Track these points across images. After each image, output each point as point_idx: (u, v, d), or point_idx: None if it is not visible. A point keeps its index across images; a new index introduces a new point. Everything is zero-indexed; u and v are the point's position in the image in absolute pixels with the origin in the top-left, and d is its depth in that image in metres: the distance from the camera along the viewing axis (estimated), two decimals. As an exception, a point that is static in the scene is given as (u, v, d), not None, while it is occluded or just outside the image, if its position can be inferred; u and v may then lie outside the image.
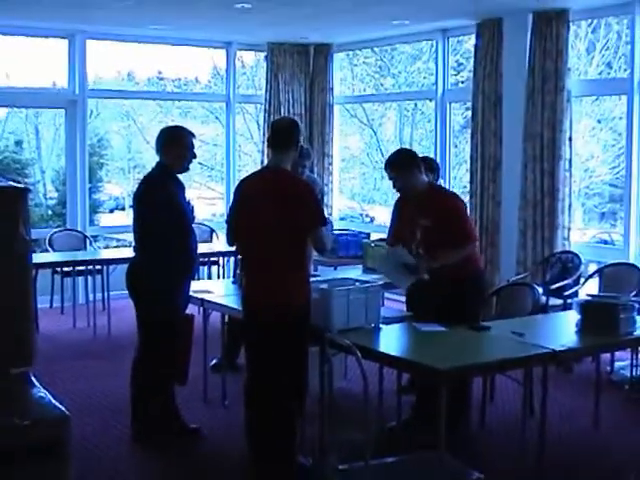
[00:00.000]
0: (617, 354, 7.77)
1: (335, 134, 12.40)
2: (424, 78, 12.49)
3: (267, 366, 5.51)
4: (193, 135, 6.28)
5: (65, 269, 10.19)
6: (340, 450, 5.22)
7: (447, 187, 10.47)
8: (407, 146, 12.78)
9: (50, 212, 12.33)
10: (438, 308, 6.06)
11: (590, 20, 10.27)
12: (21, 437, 2.74)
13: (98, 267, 10.03)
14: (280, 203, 5.43)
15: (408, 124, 13.76)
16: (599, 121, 11.60)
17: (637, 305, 6.32)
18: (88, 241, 10.80)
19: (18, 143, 12.35)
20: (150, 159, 6.21)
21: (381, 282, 6.58)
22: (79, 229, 11.15)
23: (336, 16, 9.90)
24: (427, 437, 5.51)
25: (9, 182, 3.29)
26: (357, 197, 13.99)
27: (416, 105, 13.19)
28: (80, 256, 10.13)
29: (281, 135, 5.65)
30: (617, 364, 7.78)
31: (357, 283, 6.03)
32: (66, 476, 2.87)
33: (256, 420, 5.61)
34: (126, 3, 8.88)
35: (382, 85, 13.79)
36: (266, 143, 5.73)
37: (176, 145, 6.17)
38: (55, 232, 10.75)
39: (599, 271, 8.58)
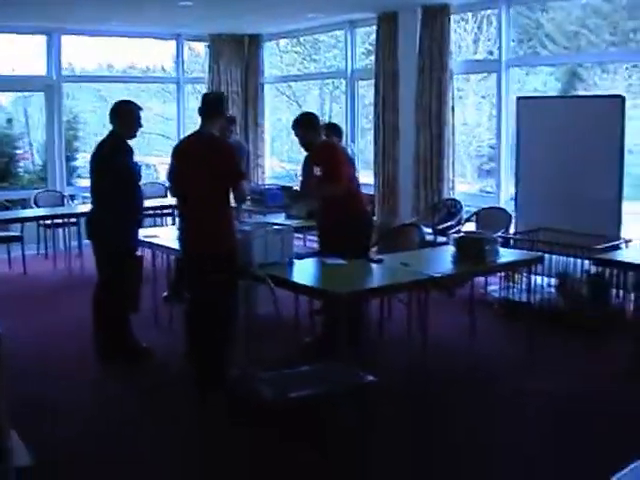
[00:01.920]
0: (490, 279, 7.71)
1: (266, 108, 12.24)
2: (339, 62, 12.25)
3: (203, 296, 5.39)
4: (140, 108, 6.08)
5: (47, 222, 9.93)
6: (262, 362, 5.11)
7: (353, 148, 10.40)
8: (327, 118, 12.60)
9: (36, 177, 12.01)
10: (335, 244, 5.96)
11: (473, 13, 10.08)
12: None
13: (74, 220, 9.76)
14: (207, 162, 5.32)
15: (329, 99, 13.55)
16: (483, 97, 11.50)
17: (501, 239, 6.28)
18: (66, 199, 10.55)
19: (9, 121, 11.98)
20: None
21: (295, 225, 6.50)
22: (58, 189, 10.86)
23: (262, 11, 9.66)
24: (335, 349, 5.49)
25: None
26: (288, 159, 13.80)
27: (333, 83, 12.96)
28: (59, 211, 9.86)
29: (209, 106, 5.51)
30: (490, 287, 7.72)
31: (275, 226, 5.91)
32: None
33: (194, 340, 5.51)
34: (90, 4, 8.61)
35: (307, 68, 13.56)
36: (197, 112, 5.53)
37: (126, 116, 5.97)
38: (39, 192, 10.49)
39: (476, 214, 8.54)
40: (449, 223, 8.51)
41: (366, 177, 10.28)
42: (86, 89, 13.44)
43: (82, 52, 12.00)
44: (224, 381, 5.32)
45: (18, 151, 12.05)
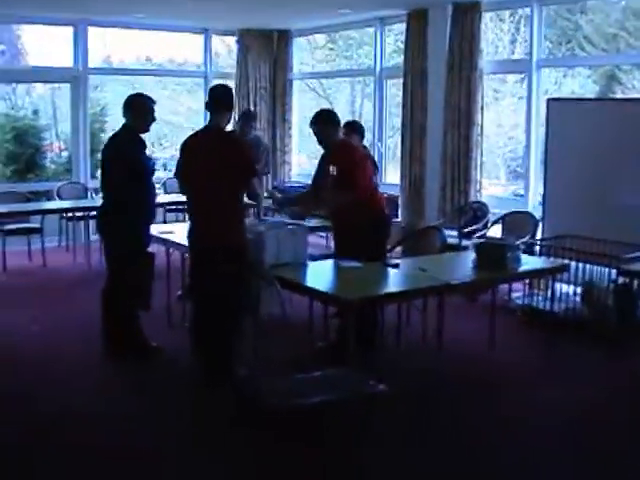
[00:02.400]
0: (514, 285, 7.48)
1: (294, 104, 12.04)
2: (369, 59, 12.07)
3: (212, 287, 5.27)
4: (153, 101, 5.95)
5: (69, 215, 9.84)
6: (272, 364, 4.96)
7: (380, 148, 10.24)
8: (358, 116, 12.41)
9: (62, 169, 11.96)
10: (351, 247, 5.78)
11: (511, 12, 9.83)
12: None
13: (95, 213, 9.57)
14: (216, 156, 5.20)
15: (359, 97, 13.36)
16: (520, 98, 11.30)
17: (525, 245, 6.07)
18: (90, 192, 10.47)
19: (36, 112, 11.92)
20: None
21: (317, 225, 6.34)
22: (82, 182, 10.79)
23: (290, 6, 9.52)
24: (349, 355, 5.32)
25: None
26: (317, 156, 13.63)
27: (365, 81, 12.77)
28: (81, 204, 9.76)
29: (216, 100, 5.35)
30: (513, 294, 7.49)
31: (289, 226, 5.74)
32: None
33: (202, 332, 5.42)
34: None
35: (339, 65, 13.38)
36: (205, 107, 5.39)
37: (139, 110, 5.84)
38: (62, 184, 10.43)
39: (502, 218, 8.30)
40: (475, 227, 8.29)
41: (395, 177, 10.14)
42: (123, 82, 13.33)
43: (116, 45, 11.97)
44: (230, 376, 5.21)
45: (44, 142, 11.98)
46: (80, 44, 10.81)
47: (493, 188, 9.64)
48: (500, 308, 6.98)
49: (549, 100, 7.78)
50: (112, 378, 5.70)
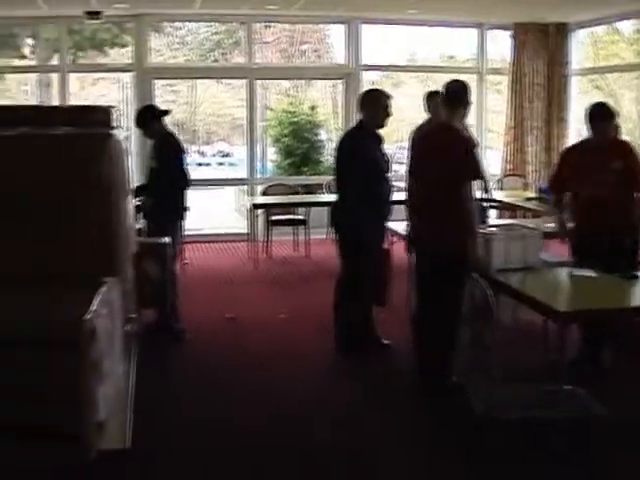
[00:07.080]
0: None
1: (571, 102, 11.46)
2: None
3: (428, 295, 5.21)
4: (388, 97, 5.93)
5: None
6: (489, 374, 4.77)
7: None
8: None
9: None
10: (596, 255, 5.37)
11: None
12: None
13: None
14: (439, 156, 5.04)
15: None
16: None
17: None
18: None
19: (312, 108, 12.40)
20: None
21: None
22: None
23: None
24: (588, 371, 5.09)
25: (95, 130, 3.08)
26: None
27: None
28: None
29: (451, 96, 5.20)
30: None
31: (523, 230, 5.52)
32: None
33: (419, 340, 5.35)
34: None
35: (623, 59, 12.54)
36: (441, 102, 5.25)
37: (373, 105, 5.86)
38: (332, 179, 10.67)
39: None
40: None
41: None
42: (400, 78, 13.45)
43: (386, 41, 12.09)
44: (443, 386, 5.12)
45: (320, 138, 12.44)
46: (352, 41, 11.09)
47: None
48: None
49: None
50: (337, 373, 5.77)
